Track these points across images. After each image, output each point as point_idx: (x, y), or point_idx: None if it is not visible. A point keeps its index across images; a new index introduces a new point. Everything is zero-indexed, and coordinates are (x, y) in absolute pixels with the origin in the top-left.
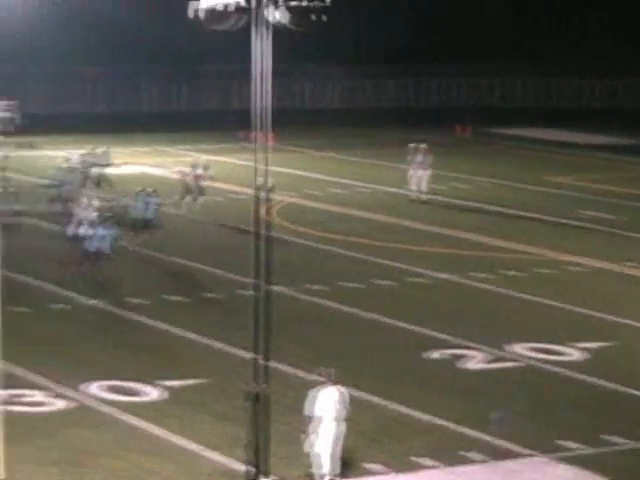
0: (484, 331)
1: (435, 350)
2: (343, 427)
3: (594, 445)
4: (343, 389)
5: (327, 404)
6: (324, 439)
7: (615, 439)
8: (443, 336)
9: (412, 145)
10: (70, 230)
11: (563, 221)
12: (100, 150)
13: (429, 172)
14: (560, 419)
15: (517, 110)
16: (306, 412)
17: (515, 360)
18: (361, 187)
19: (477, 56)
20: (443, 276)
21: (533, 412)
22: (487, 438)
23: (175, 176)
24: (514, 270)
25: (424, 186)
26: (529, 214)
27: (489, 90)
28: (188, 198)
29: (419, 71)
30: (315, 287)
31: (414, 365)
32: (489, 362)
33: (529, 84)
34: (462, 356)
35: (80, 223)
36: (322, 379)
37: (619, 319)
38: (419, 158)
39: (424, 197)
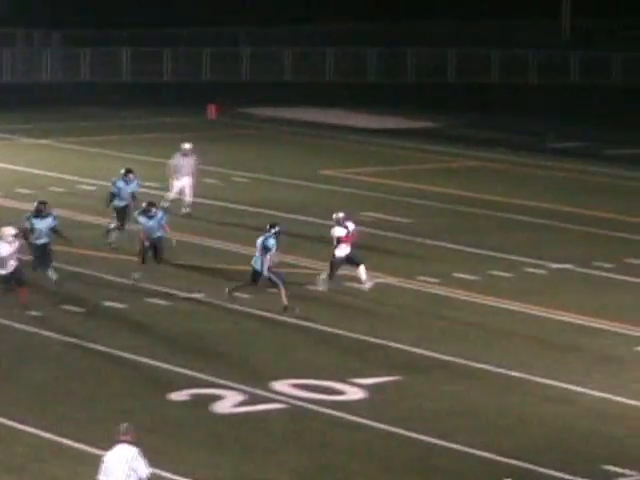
0: (239, 366)
1: (182, 390)
2: None
3: None
4: (133, 449)
5: (111, 466)
6: None
7: None
8: (190, 373)
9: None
10: None
11: None
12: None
13: (191, 178)
14: (335, 470)
15: (282, 86)
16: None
17: (277, 401)
18: (88, 184)
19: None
20: (193, 296)
21: (300, 463)
22: None
23: None
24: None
25: (188, 195)
26: (300, 217)
27: (244, 61)
28: None
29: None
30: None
31: (156, 409)
32: (245, 404)
33: (296, 53)
34: (213, 397)
35: None
36: (118, 437)
37: (403, 346)
38: (179, 161)
39: (185, 210)
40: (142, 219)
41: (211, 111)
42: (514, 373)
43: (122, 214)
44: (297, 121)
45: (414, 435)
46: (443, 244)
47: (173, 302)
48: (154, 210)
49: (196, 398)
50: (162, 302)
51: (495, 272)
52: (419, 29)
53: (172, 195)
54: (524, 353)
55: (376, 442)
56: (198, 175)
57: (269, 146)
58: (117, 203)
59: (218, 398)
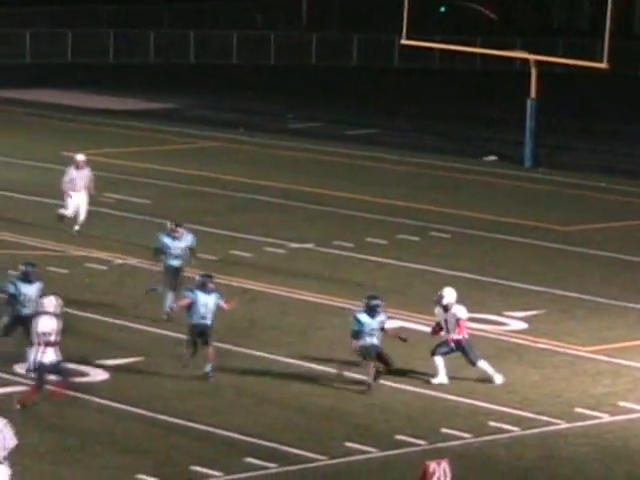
0: None
1: None
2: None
3: None
4: (2, 421)
5: None
6: None
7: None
8: None
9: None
10: None
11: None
12: None
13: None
14: (76, 452)
15: (21, 67)
16: None
17: (20, 383)
18: None
19: None
20: None
21: (43, 445)
22: None
23: None
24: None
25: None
26: (41, 198)
27: None
28: None
29: None
30: None
31: None
32: None
33: (34, 35)
34: None
35: None
36: None
37: (144, 327)
38: (73, 174)
39: (77, 228)
40: (199, 293)
41: None
42: (256, 352)
43: (174, 275)
44: (36, 103)
45: (155, 415)
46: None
47: None
48: (212, 284)
49: None
50: None
51: (235, 252)
52: (162, 10)
53: (70, 212)
54: (265, 332)
55: (118, 423)
56: (93, 189)
57: (8, 128)
58: (169, 262)
59: None
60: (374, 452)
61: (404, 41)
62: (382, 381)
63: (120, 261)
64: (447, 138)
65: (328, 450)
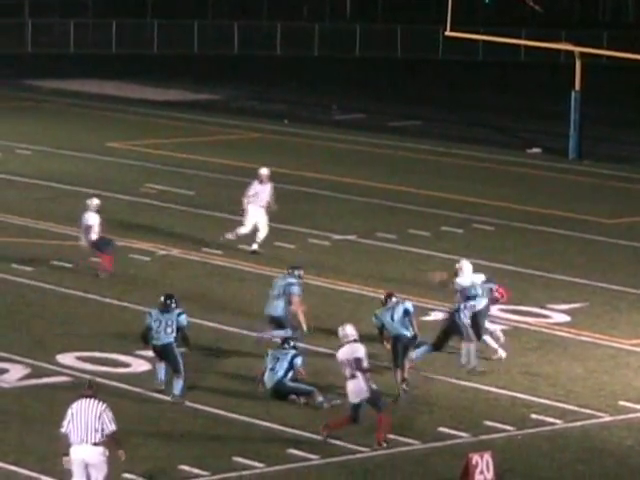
0: (24, 338)
1: None
2: (94, 452)
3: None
4: (102, 403)
5: (75, 422)
6: (73, 465)
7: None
8: None
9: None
10: None
11: (129, 198)
12: None
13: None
14: (131, 449)
15: (66, 58)
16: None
17: (62, 374)
18: None
19: None
20: None
21: None
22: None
23: None
24: (64, 261)
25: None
26: (84, 189)
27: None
28: None
29: None
30: None
31: None
32: (30, 377)
33: (79, 25)
34: None
35: None
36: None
37: (189, 318)
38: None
39: (255, 247)
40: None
41: None
42: (298, 343)
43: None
44: (82, 93)
45: (199, 406)
46: (226, 216)
47: None
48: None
49: None
50: None
51: (279, 243)
52: (206, 1)
53: (245, 231)
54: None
55: (161, 414)
56: (274, 204)
57: (54, 118)
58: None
59: (3, 371)
60: (417, 444)
61: (448, 33)
62: (425, 373)
63: (163, 252)
64: (491, 130)
65: (370, 442)
